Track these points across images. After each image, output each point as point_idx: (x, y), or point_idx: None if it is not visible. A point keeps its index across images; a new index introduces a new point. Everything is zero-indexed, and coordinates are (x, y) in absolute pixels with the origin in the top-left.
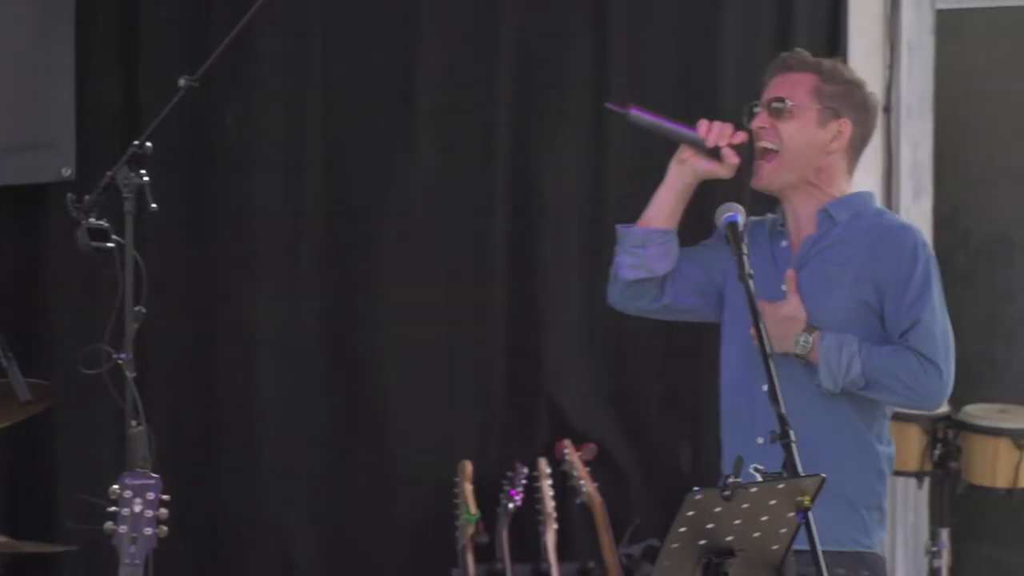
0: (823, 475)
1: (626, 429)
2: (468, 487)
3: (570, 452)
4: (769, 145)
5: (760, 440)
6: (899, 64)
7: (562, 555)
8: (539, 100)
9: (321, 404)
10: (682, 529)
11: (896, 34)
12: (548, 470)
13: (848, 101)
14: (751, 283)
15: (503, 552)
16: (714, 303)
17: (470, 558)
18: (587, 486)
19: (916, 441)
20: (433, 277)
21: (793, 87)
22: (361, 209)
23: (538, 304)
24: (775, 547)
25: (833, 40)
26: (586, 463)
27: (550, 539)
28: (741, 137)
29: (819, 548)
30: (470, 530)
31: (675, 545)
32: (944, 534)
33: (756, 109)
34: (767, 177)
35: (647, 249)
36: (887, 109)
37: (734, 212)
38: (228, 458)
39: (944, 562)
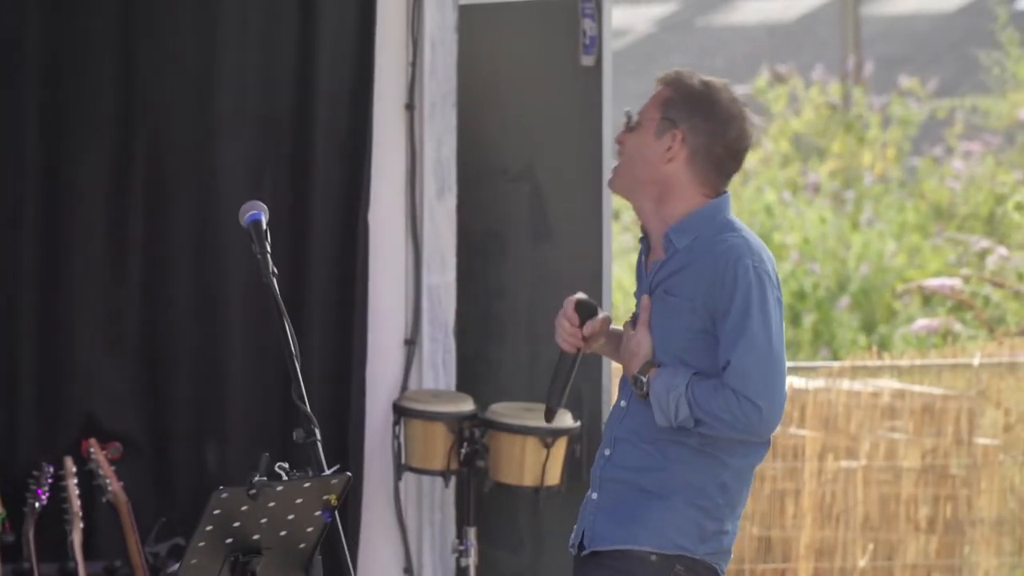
0: (350, 474)
1: (152, 428)
2: None
3: (96, 450)
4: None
5: (607, 451)
6: (422, 61)
7: (89, 554)
8: (67, 105)
9: None
10: (208, 528)
11: (419, 31)
12: (74, 469)
13: (690, 111)
14: (275, 283)
15: (30, 551)
16: None
17: None
18: (113, 484)
19: (442, 440)
20: None
21: (649, 101)
22: None
23: (65, 303)
24: (302, 545)
25: (362, 38)
26: (112, 462)
27: (77, 538)
28: (577, 342)
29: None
30: None
31: (202, 544)
32: (471, 533)
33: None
34: (611, 181)
35: None
36: (410, 107)
37: (258, 211)
38: None
39: (472, 561)
